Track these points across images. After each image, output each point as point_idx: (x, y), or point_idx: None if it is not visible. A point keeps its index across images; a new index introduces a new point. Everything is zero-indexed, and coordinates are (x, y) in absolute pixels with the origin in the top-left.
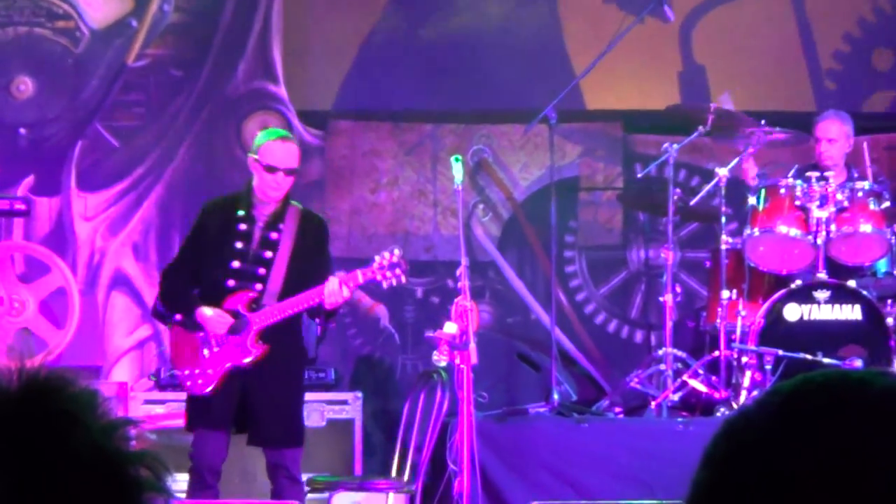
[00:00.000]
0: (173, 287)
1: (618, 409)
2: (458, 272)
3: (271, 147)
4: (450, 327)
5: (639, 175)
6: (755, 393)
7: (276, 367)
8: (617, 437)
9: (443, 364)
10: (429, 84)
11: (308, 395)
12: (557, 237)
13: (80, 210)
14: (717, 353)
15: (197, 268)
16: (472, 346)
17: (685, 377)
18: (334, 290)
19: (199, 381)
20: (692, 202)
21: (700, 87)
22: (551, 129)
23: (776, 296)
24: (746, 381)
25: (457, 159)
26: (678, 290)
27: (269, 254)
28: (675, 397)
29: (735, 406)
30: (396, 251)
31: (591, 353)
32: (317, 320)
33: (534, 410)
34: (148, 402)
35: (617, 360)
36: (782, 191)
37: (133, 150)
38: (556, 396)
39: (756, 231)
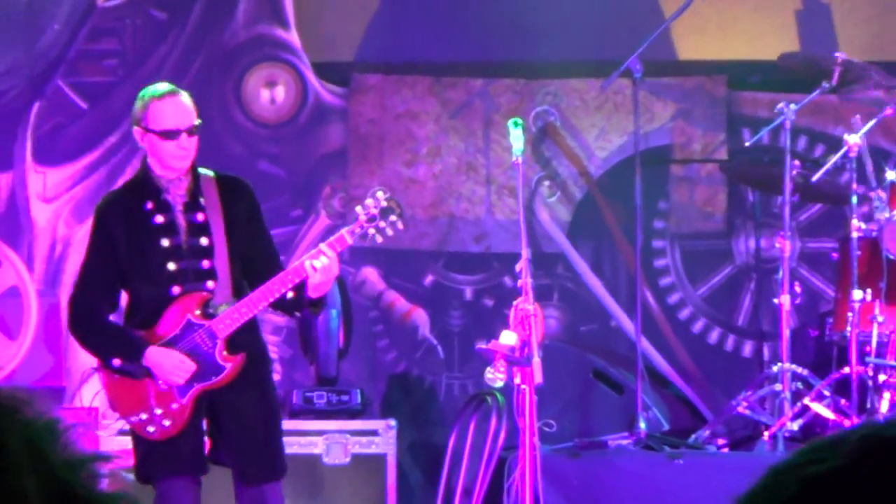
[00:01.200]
0: (98, 324)
1: (721, 441)
2: (517, 268)
3: (159, 108)
4: (507, 337)
5: (747, 143)
6: None
7: (244, 380)
8: (720, 477)
9: (498, 384)
10: (480, 28)
11: (328, 424)
12: (644, 223)
13: (38, 189)
14: (846, 369)
15: (115, 290)
16: (536, 360)
17: (807, 400)
18: (324, 264)
19: (166, 423)
20: (815, 178)
21: (823, 31)
22: (636, 85)
23: None
24: (885, 406)
25: (515, 124)
26: (797, 289)
27: (204, 240)
28: (795, 426)
29: None
30: (380, 192)
31: (686, 369)
32: (296, 314)
33: (614, 443)
34: (123, 432)
35: (720, 378)
36: None
37: (104, 113)
38: (642, 425)
39: None
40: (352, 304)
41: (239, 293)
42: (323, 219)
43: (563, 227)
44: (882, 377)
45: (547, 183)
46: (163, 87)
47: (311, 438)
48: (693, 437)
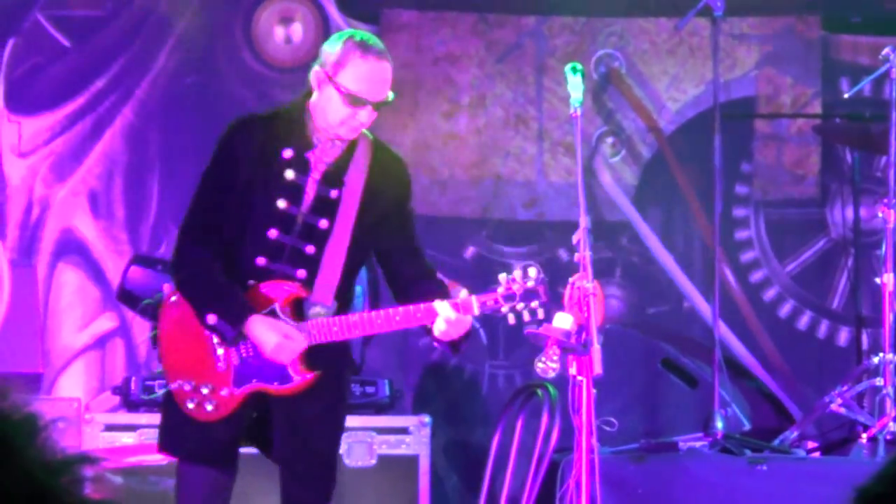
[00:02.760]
0: (206, 270)
1: (812, 444)
2: (574, 239)
3: (360, 66)
4: (562, 320)
5: (846, 95)
6: None
7: (320, 389)
8: (810, 486)
9: (551, 375)
10: None
11: (351, 420)
12: (724, 188)
13: (12, 141)
14: None
15: (220, 230)
16: (596, 348)
17: None
18: (451, 318)
19: (208, 406)
20: None
21: None
22: (715, 26)
23: None
24: None
25: (574, 69)
26: None
27: (324, 223)
28: None
29: None
30: (533, 269)
31: (772, 360)
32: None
33: (687, 444)
34: (111, 427)
35: (811, 371)
36: None
37: (90, 52)
38: (719, 424)
39: None
40: (380, 279)
41: (343, 296)
42: None
43: (629, 191)
44: None
45: (610, 140)
46: (373, 42)
47: None
48: (779, 438)
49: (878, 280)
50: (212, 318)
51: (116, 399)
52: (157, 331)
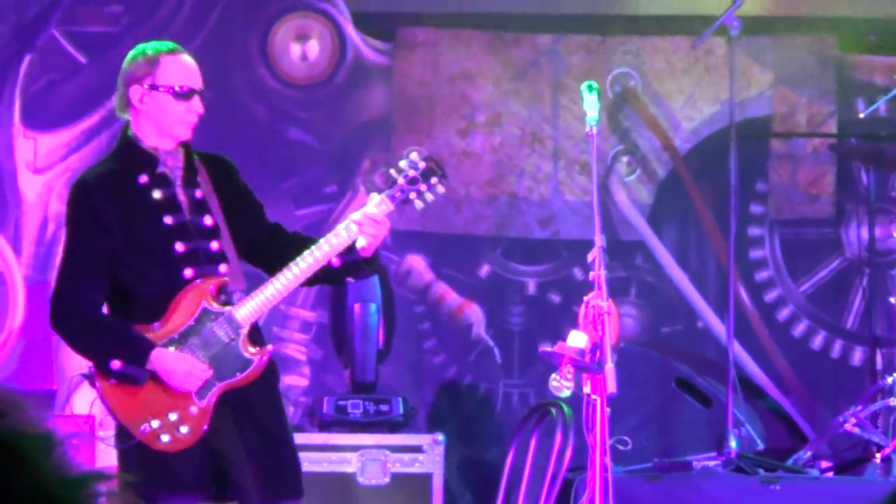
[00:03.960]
0: (92, 319)
1: (826, 464)
2: (589, 257)
3: (172, 63)
4: (577, 339)
5: (862, 115)
6: None
7: (263, 379)
8: None
9: (565, 394)
10: None
11: (364, 438)
12: (739, 207)
13: (27, 158)
14: None
15: (107, 279)
16: (610, 367)
17: None
18: (378, 217)
19: (182, 430)
20: None
21: None
22: (731, 45)
23: None
24: None
25: (590, 88)
26: None
27: (208, 220)
28: None
29: None
30: (415, 153)
31: (786, 380)
32: (349, 280)
33: (700, 464)
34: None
35: (825, 390)
36: None
37: (106, 68)
38: (733, 444)
39: None
40: (394, 297)
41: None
42: (361, 196)
43: (644, 210)
44: None
45: (625, 158)
46: (166, 42)
47: (344, 454)
48: (792, 458)
49: (892, 300)
50: (116, 364)
51: None
52: (98, 399)
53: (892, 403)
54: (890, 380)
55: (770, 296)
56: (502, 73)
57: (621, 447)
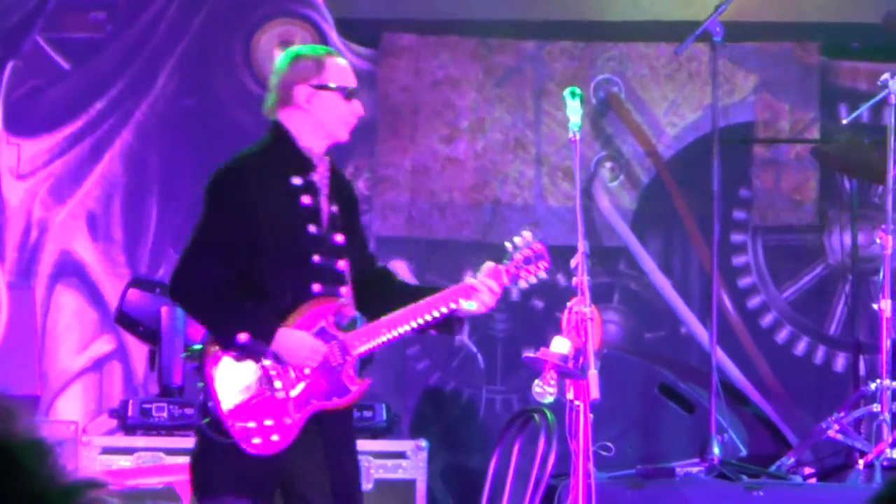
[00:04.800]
0: (224, 292)
1: (808, 471)
2: (572, 263)
3: (336, 64)
4: (560, 345)
5: (844, 121)
6: None
7: (347, 414)
8: None
9: (548, 400)
10: None
11: None
12: (722, 213)
13: (11, 163)
14: None
15: (238, 267)
16: (593, 373)
17: None
18: (495, 289)
19: (274, 437)
20: None
21: None
22: (714, 51)
23: None
24: None
25: (573, 94)
26: None
27: (339, 237)
28: (895, 453)
29: None
30: (528, 233)
31: (769, 386)
32: (431, 333)
33: (683, 470)
34: (108, 450)
35: (808, 396)
36: None
37: (89, 74)
38: (716, 450)
39: None
40: None
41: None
42: None
43: (627, 216)
44: None
45: (609, 164)
46: (322, 46)
47: None
48: (775, 464)
49: (875, 306)
50: (243, 337)
51: (114, 422)
52: (204, 382)
53: (874, 410)
54: (873, 386)
55: (753, 302)
56: (486, 79)
57: (604, 453)
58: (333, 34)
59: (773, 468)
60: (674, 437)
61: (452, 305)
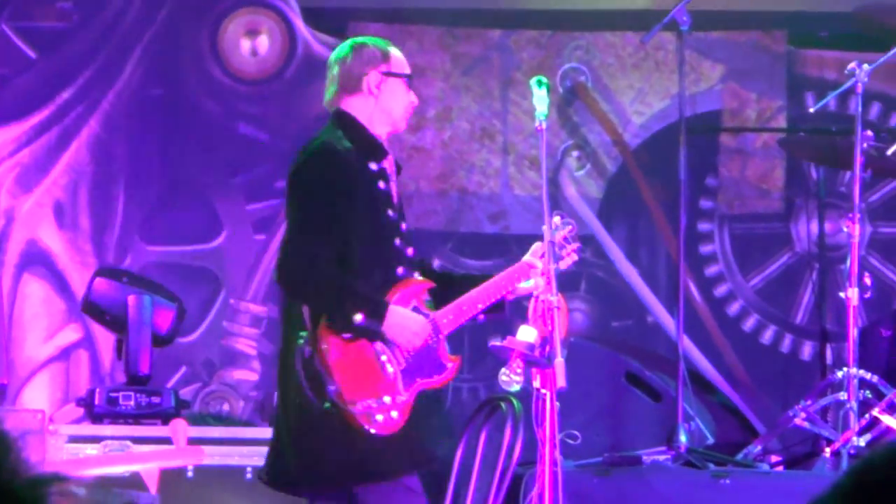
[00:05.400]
0: (337, 275)
1: (775, 459)
2: (539, 251)
3: (398, 54)
4: (526, 333)
5: (811, 110)
6: None
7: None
8: (774, 500)
9: (515, 388)
10: None
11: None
12: (688, 202)
13: None
14: None
15: (341, 254)
16: (560, 361)
17: (876, 412)
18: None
19: (393, 414)
20: (890, 151)
21: None
22: (681, 40)
23: None
24: None
25: (539, 83)
26: (867, 281)
27: (404, 224)
28: (862, 441)
29: None
30: (557, 218)
31: (736, 374)
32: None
33: (650, 458)
34: (75, 439)
35: (775, 385)
36: None
37: (56, 64)
38: (683, 438)
39: None
40: None
41: None
42: None
43: (594, 205)
44: None
45: (575, 153)
46: (376, 37)
47: None
48: (742, 453)
49: (842, 294)
50: (359, 318)
51: (81, 411)
52: (321, 367)
53: (841, 398)
54: (840, 374)
55: (720, 290)
56: (452, 68)
57: (571, 442)
58: (300, 23)
59: (739, 456)
60: (641, 426)
61: (518, 285)
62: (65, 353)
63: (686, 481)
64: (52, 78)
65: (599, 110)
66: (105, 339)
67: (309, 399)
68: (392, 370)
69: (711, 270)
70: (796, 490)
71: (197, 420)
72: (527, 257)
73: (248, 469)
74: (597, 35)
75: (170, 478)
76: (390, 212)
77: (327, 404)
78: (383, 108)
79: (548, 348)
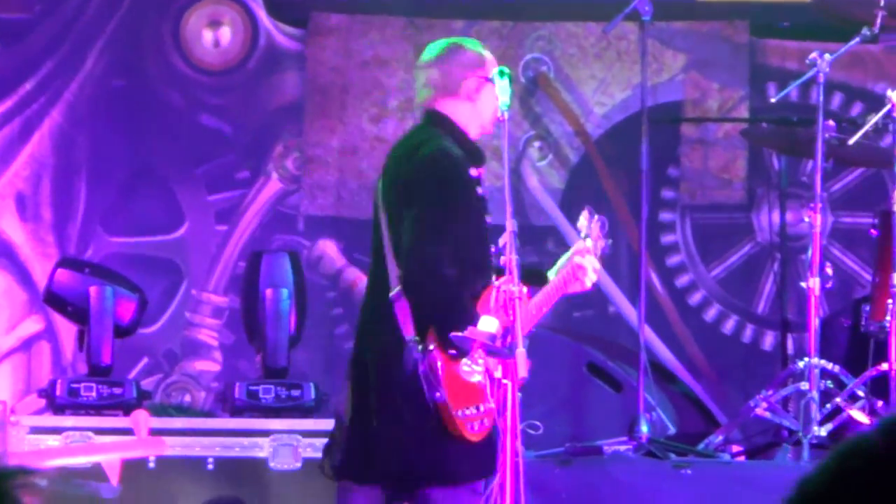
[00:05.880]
0: (458, 286)
1: (737, 449)
2: (501, 242)
3: (491, 57)
4: (488, 324)
5: (772, 100)
6: None
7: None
8: (735, 490)
9: (476, 378)
10: None
11: (276, 423)
12: (650, 192)
13: None
14: (885, 366)
15: (460, 262)
16: (521, 351)
17: (838, 401)
18: (597, 267)
19: (486, 421)
20: (851, 141)
21: None
22: (643, 30)
23: None
24: None
25: (501, 73)
26: (829, 272)
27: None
28: (823, 431)
29: None
30: (585, 212)
31: (697, 364)
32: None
33: (611, 448)
34: (37, 430)
35: (736, 375)
36: None
37: (18, 55)
38: (644, 429)
39: None
40: (306, 282)
41: None
42: (274, 182)
43: (556, 195)
44: None
45: (537, 144)
46: (468, 38)
47: (255, 439)
48: (704, 443)
49: (803, 284)
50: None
51: (42, 402)
52: (430, 374)
53: (802, 388)
54: (801, 364)
55: (681, 281)
56: (414, 59)
57: (532, 432)
58: (262, 14)
59: (701, 446)
60: (602, 416)
61: (571, 288)
62: (26, 344)
63: (647, 471)
64: (14, 69)
65: (561, 101)
66: (67, 329)
67: (415, 400)
68: (484, 378)
69: (673, 260)
70: (758, 480)
71: (158, 411)
72: (577, 259)
73: (210, 459)
74: (559, 25)
75: (131, 468)
76: (488, 217)
77: (433, 407)
78: (479, 112)
79: (509, 338)
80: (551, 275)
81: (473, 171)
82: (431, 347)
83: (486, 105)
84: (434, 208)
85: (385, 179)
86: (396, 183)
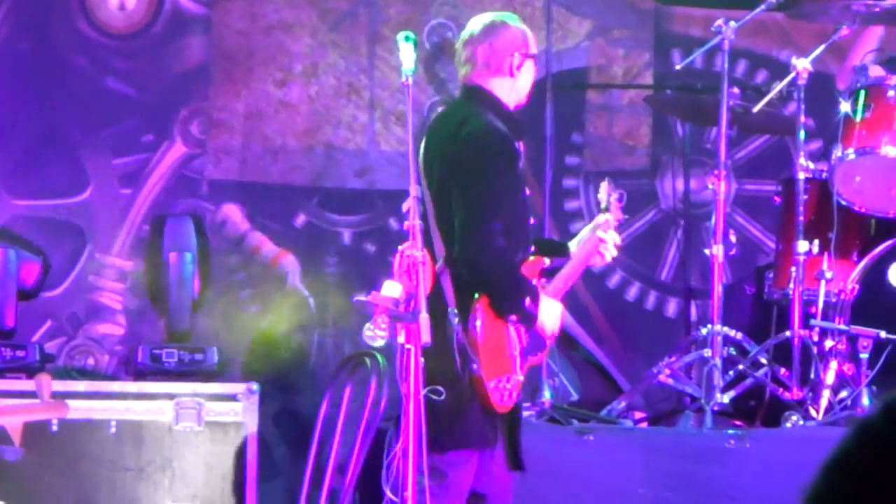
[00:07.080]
0: (513, 259)
1: (639, 415)
2: (404, 207)
3: (530, 33)
4: (391, 289)
5: (677, 67)
6: (844, 393)
7: None
8: (637, 456)
9: (379, 343)
10: None
11: (179, 387)
12: (554, 158)
13: None
14: (788, 333)
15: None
16: (424, 316)
17: (741, 368)
18: (617, 241)
19: (514, 394)
20: (756, 108)
21: None
22: None
23: (878, 250)
24: (831, 377)
25: (406, 38)
26: (732, 239)
27: None
28: (726, 398)
29: (815, 412)
30: (604, 183)
31: (601, 331)
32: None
33: None
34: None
35: (639, 341)
36: (892, 93)
37: None
38: (547, 395)
39: (851, 153)
40: (209, 246)
41: None
42: (178, 146)
43: None
44: (829, 343)
45: (441, 109)
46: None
47: (159, 403)
48: (606, 409)
49: (707, 251)
50: (528, 302)
51: None
52: (469, 344)
53: (705, 355)
54: (704, 331)
55: None
56: (320, 23)
57: (435, 398)
58: None
59: (603, 413)
60: None
61: (592, 261)
62: None
63: (550, 437)
64: None
65: None
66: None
67: (455, 370)
68: (516, 350)
69: (577, 227)
70: (660, 446)
71: (61, 374)
72: (599, 233)
73: (112, 423)
74: None
75: (34, 431)
76: (527, 190)
77: (468, 377)
78: (518, 86)
79: (413, 303)
80: (572, 246)
81: (519, 145)
82: (476, 319)
83: (524, 80)
84: (487, 185)
85: (427, 155)
86: (441, 160)
